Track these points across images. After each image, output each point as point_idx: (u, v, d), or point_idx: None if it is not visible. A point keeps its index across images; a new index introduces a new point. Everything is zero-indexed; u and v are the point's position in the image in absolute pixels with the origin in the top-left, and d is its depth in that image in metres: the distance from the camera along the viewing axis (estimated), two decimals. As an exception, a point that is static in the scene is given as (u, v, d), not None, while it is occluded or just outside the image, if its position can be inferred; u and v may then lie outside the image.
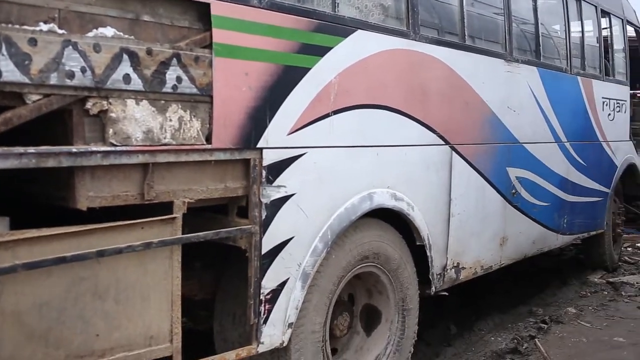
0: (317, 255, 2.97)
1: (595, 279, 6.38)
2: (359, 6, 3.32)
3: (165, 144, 2.32)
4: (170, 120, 2.33)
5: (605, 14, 6.39)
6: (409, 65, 3.56)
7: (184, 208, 2.41)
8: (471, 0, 4.25)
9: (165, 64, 2.29)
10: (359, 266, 3.35)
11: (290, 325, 2.89)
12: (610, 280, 6.31)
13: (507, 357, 4.23)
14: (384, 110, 3.37)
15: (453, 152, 3.96)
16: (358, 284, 3.57)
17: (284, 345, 2.89)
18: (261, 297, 2.74)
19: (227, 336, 3.07)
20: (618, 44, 6.76)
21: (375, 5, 3.41)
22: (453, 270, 4.07)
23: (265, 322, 2.77)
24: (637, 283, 6.19)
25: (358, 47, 3.16)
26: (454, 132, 3.94)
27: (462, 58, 4.00)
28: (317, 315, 3.08)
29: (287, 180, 2.79)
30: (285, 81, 2.75)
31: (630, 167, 6.98)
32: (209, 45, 2.43)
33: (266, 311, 2.77)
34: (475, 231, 4.28)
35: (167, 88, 2.30)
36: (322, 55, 2.94)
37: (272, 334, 2.81)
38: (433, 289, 3.89)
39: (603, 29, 6.36)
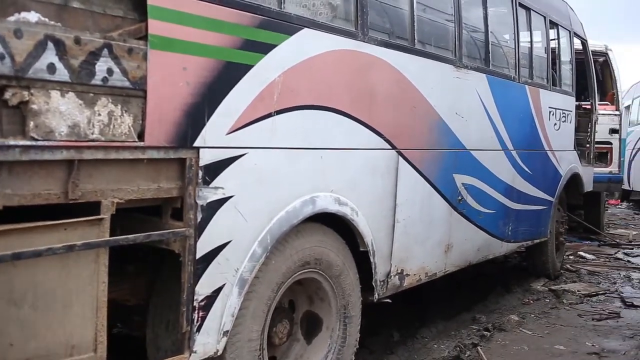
0: (255, 261, 2.86)
1: (538, 287, 6.44)
2: (307, 4, 3.22)
3: (93, 140, 2.16)
4: (99, 114, 2.18)
5: (553, 25, 6.46)
6: (357, 66, 3.47)
7: (112, 209, 2.26)
8: (422, 5, 4.19)
9: (95, 55, 2.14)
10: (300, 272, 3.24)
11: (225, 333, 2.76)
12: (553, 288, 6.37)
13: (449, 365, 4.19)
14: (330, 112, 3.28)
15: (399, 157, 3.89)
16: (299, 290, 3.47)
17: (219, 354, 2.76)
18: (195, 304, 2.60)
19: (160, 344, 2.92)
20: (565, 55, 6.85)
21: (324, 3, 3.32)
22: (397, 277, 4.00)
23: (198, 330, 2.63)
24: (578, 291, 6.27)
25: (304, 46, 3.06)
26: (400, 136, 3.88)
27: (411, 62, 3.94)
28: (255, 323, 2.96)
29: (225, 182, 2.67)
30: (225, 78, 2.63)
31: (574, 177, 7.08)
32: (144, 37, 2.29)
33: (200, 318, 2.63)
34: (420, 238, 4.23)
35: (97, 80, 2.15)
36: (266, 53, 2.83)
37: (206, 343, 2.68)
38: (376, 296, 3.81)
39: (551, 39, 6.43)
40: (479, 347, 4.47)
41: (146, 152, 2.35)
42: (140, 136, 2.31)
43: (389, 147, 3.79)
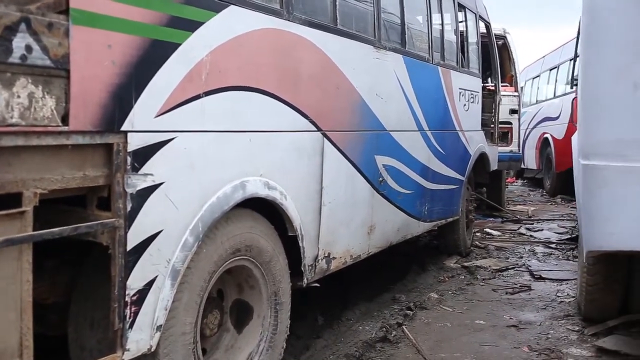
0: (187, 250, 2.71)
1: (452, 264, 6.59)
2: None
3: (11, 125, 1.95)
4: (19, 96, 1.97)
5: (461, 7, 6.58)
6: (282, 46, 3.37)
7: (35, 200, 2.06)
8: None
9: (11, 30, 1.92)
10: (231, 260, 3.13)
11: (158, 328, 2.61)
12: (465, 264, 6.55)
13: (377, 345, 4.19)
14: (257, 93, 3.16)
15: (325, 139, 3.83)
16: (228, 279, 3.34)
17: (152, 350, 2.61)
18: (127, 299, 2.43)
19: (85, 343, 2.72)
20: (472, 38, 7.01)
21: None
22: (324, 260, 3.96)
23: (131, 326, 2.47)
24: (489, 267, 6.47)
25: (231, 23, 2.93)
26: (325, 118, 3.82)
27: (334, 42, 3.88)
28: (188, 315, 2.82)
29: (154, 168, 2.50)
30: (153, 57, 2.46)
31: (482, 156, 7.28)
32: (65, 11, 2.09)
33: (132, 314, 2.47)
34: (345, 220, 4.20)
35: (14, 58, 1.94)
36: (193, 31, 2.68)
37: (139, 339, 2.52)
38: (305, 280, 3.75)
39: (459, 22, 6.55)
40: (404, 327, 4.51)
41: (71, 137, 2.16)
42: (64, 120, 2.11)
43: (315, 128, 3.72)
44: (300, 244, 3.63)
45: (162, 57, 2.51)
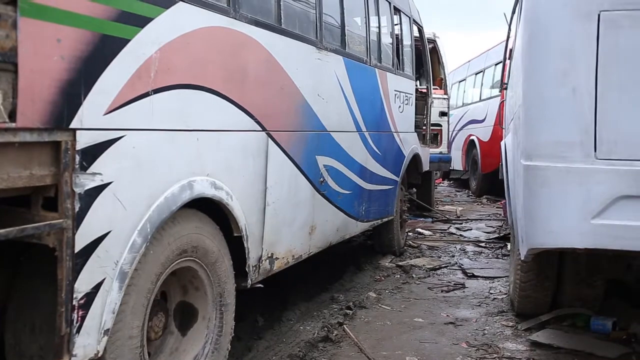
0: (135, 252, 2.64)
1: (387, 264, 6.68)
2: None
3: (-44, 121, 1.86)
4: (-36, 91, 1.87)
5: (397, 11, 6.69)
6: (230, 45, 3.34)
7: (-20, 200, 1.97)
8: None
9: (-44, 20, 1.83)
10: (178, 261, 3.07)
11: (106, 332, 2.53)
12: (400, 264, 6.65)
13: (320, 345, 4.21)
14: (205, 92, 3.12)
15: (269, 139, 3.82)
16: (172, 280, 3.27)
17: (99, 355, 2.52)
18: (74, 303, 2.35)
19: (24, 350, 2.61)
20: (407, 41, 7.13)
21: (196, -24, 3.13)
22: (267, 261, 3.94)
23: (78, 331, 2.38)
24: (423, 265, 6.60)
25: (179, 20, 2.88)
26: (270, 118, 3.81)
27: (279, 42, 3.88)
28: (135, 319, 2.74)
29: (103, 167, 2.43)
30: (102, 52, 2.38)
31: (415, 157, 7.42)
32: (13, 2, 2.00)
33: (79, 318, 2.38)
34: (288, 220, 4.19)
35: (-41, 50, 1.85)
36: (143, 27, 2.61)
37: (87, 344, 2.43)
38: (249, 281, 3.73)
39: (395, 25, 6.66)
40: (345, 326, 4.54)
41: (18, 134, 2.06)
42: (11, 116, 2.02)
43: (260, 128, 3.70)
44: (245, 245, 3.61)
45: (112, 52, 2.44)
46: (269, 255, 3.95)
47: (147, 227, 2.71)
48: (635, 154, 2.98)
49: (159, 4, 2.72)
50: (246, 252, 3.63)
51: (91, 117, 2.35)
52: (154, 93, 2.71)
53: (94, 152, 2.38)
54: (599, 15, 3.01)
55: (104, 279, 2.49)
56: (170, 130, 2.86)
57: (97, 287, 2.46)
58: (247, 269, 3.67)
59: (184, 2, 2.91)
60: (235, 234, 3.54)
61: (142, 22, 2.61)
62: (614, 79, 2.99)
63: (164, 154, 2.83)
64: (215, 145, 3.26)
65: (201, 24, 3.07)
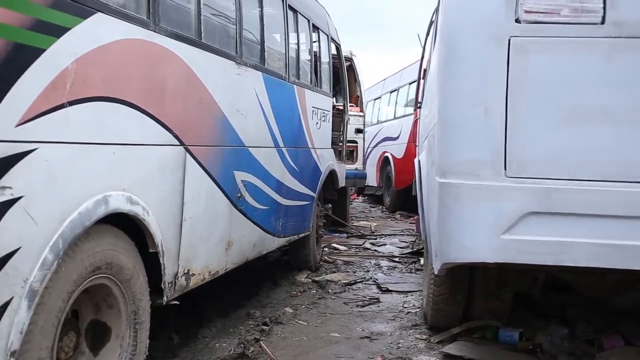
0: (46, 269, 2.54)
1: (303, 279, 6.70)
2: (97, -14, 2.95)
3: None
4: None
5: (315, 29, 6.78)
6: (149, 57, 3.29)
7: None
8: (207, 1, 4.11)
9: None
10: (91, 278, 2.97)
11: (13, 354, 2.41)
12: (316, 279, 6.69)
13: (236, 362, 4.17)
14: (122, 105, 3.05)
15: (187, 154, 3.77)
16: (84, 298, 3.16)
17: (6, 378, 2.41)
18: (-20, 323, 2.24)
19: None
20: (324, 58, 7.23)
21: (115, -13, 3.08)
22: (184, 277, 3.87)
23: (-17, 353, 2.27)
24: (339, 280, 6.66)
25: (98, 31, 2.81)
26: (188, 132, 3.77)
27: (199, 56, 3.85)
28: (44, 339, 2.63)
29: (13, 181, 2.33)
30: (15, 62, 2.30)
31: (331, 173, 7.52)
32: None
33: (-15, 340, 2.27)
34: (204, 236, 4.15)
35: None
36: (59, 37, 2.54)
37: (-8, 367, 2.32)
38: (165, 298, 3.65)
39: (313, 42, 6.74)
40: (261, 342, 4.51)
41: None
42: None
43: (178, 142, 3.65)
44: (161, 261, 3.54)
45: (25, 62, 2.36)
46: (186, 271, 3.89)
47: (60, 243, 2.61)
48: (542, 172, 3.14)
49: (76, 14, 2.66)
50: (162, 268, 3.55)
51: (2, 129, 2.26)
52: (69, 105, 2.63)
53: (4, 165, 2.28)
54: (509, 41, 3.16)
55: (12, 298, 2.38)
56: (85, 143, 2.78)
57: (4, 307, 2.35)
58: (162, 286, 3.59)
59: (103, 13, 2.85)
60: (151, 250, 3.46)
61: (58, 31, 2.54)
62: (523, 101, 3.15)
63: (79, 167, 2.74)
64: (132, 159, 3.19)
65: (120, 36, 3.01)
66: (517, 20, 3.16)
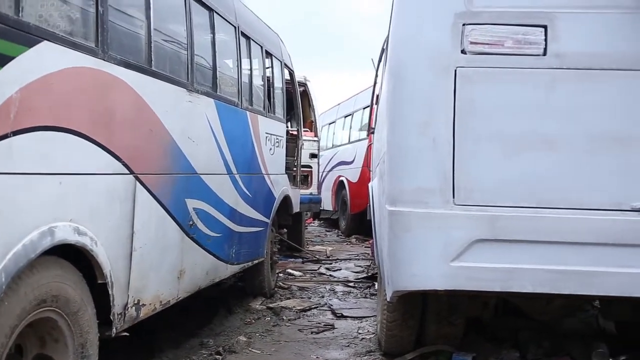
0: (-12, 304, 2.48)
1: (257, 306, 6.65)
2: (44, 14, 2.92)
3: None
4: None
5: (269, 55, 6.82)
6: (97, 86, 3.26)
7: None
8: (159, 28, 4.10)
9: None
10: (36, 312, 2.89)
11: (-49, 392, 2.34)
12: (271, 306, 6.64)
13: (188, 394, 4.09)
14: (69, 134, 3.01)
15: (137, 182, 3.73)
16: (29, 332, 3.08)
17: (-57, 419, 2.33)
18: None
19: None
20: (278, 84, 7.27)
21: (63, 16, 3.05)
22: (134, 308, 3.81)
23: None
24: (294, 307, 6.63)
25: (44, 60, 2.77)
26: (138, 161, 3.73)
27: (149, 84, 3.83)
28: (-14, 377, 2.56)
29: (-47, 214, 2.27)
30: (-44, 92, 2.25)
31: (285, 199, 7.51)
32: None
33: None
34: (155, 265, 4.09)
35: None
36: (3, 65, 2.50)
37: None
38: (114, 330, 3.58)
39: (266, 68, 6.78)
40: (214, 372, 4.45)
41: None
42: None
43: (127, 171, 3.61)
44: (110, 292, 3.47)
45: (-33, 92, 2.32)
46: (136, 301, 3.82)
47: (2, 277, 2.54)
48: (488, 200, 3.20)
49: (21, 42, 2.62)
50: (111, 299, 3.49)
51: (-59, 161, 2.20)
52: (14, 135, 2.58)
53: (-57, 198, 2.22)
54: (455, 71, 3.24)
55: (-49, 335, 2.31)
56: (30, 174, 2.72)
57: (-57, 344, 2.28)
58: (111, 317, 3.52)
59: (49, 41, 2.82)
60: (100, 281, 3.40)
61: (3, 60, 2.50)
62: (469, 130, 3.22)
63: (23, 198, 2.69)
64: (79, 189, 3.14)
65: (67, 64, 2.98)
66: (463, 51, 3.24)
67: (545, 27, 3.23)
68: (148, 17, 3.93)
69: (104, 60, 3.29)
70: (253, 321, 6.09)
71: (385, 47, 5.19)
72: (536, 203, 3.17)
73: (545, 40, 3.23)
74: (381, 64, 5.97)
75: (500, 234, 3.16)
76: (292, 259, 10.01)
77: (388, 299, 3.73)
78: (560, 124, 3.19)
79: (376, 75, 6.67)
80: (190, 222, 4.63)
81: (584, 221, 3.16)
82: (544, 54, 3.23)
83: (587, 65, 3.21)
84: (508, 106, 3.22)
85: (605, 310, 4.76)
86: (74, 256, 3.17)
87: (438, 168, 3.21)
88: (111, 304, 3.50)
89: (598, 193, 3.19)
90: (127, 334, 3.77)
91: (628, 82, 3.18)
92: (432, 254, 3.20)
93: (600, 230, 3.17)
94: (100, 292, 3.42)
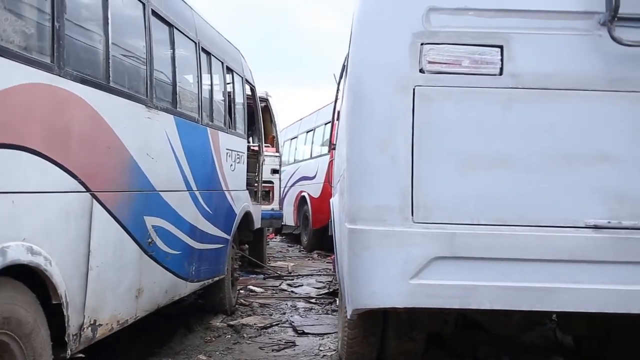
0: None
1: (218, 324, 6.57)
2: (-3, 30, 2.86)
3: None
4: None
5: (229, 70, 6.81)
6: (53, 103, 3.21)
7: None
8: (117, 44, 4.06)
9: None
10: (-14, 335, 2.82)
11: None
12: (231, 323, 6.57)
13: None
14: (22, 152, 2.95)
15: (94, 200, 3.67)
16: (-22, 356, 3.00)
17: None
18: None
19: None
20: (239, 100, 7.25)
21: (17, 31, 2.99)
22: (90, 328, 3.73)
23: None
24: (255, 324, 6.57)
25: (-3, 76, 2.72)
26: (95, 178, 3.67)
27: (107, 100, 3.78)
28: None
29: None
30: None
31: (246, 215, 7.47)
32: None
33: None
34: (112, 284, 4.02)
35: None
36: (-48, 83, 2.44)
37: None
38: (69, 352, 3.49)
39: (227, 84, 6.76)
40: (172, 393, 4.38)
41: None
42: None
43: (84, 189, 3.55)
44: (65, 312, 3.39)
45: None
46: (92, 322, 3.74)
47: (-49, 299, 2.47)
48: (447, 217, 3.22)
49: (-28, 59, 2.57)
50: (66, 320, 3.41)
51: None
52: (-36, 153, 2.52)
53: None
54: (414, 90, 3.27)
55: None
56: (-19, 193, 2.66)
57: None
58: (66, 339, 3.44)
59: (2, 57, 2.76)
60: (55, 301, 3.32)
61: (-49, 77, 2.44)
62: (428, 149, 3.24)
63: (-26, 218, 2.62)
64: (33, 207, 3.08)
65: (22, 80, 2.93)
66: (421, 70, 3.27)
67: (501, 47, 3.28)
68: (106, 33, 3.89)
69: (60, 76, 3.24)
70: (213, 339, 6.01)
71: (345, 64, 5.22)
72: (493, 220, 3.21)
73: (502, 60, 3.28)
74: (342, 80, 5.99)
75: (459, 251, 3.18)
76: (253, 275, 9.94)
77: (348, 317, 3.73)
78: (516, 143, 3.24)
79: (337, 91, 6.69)
80: (149, 240, 4.56)
81: (540, 238, 3.20)
82: (500, 73, 3.28)
83: (541, 85, 3.27)
84: (465, 125, 3.25)
85: (562, 325, 4.83)
86: (28, 276, 3.10)
87: (397, 186, 3.22)
88: (66, 324, 3.42)
89: (553, 210, 3.24)
90: (83, 355, 3.68)
91: (580, 102, 3.25)
92: (392, 272, 3.20)
93: (555, 247, 3.21)
94: (54, 313, 3.35)
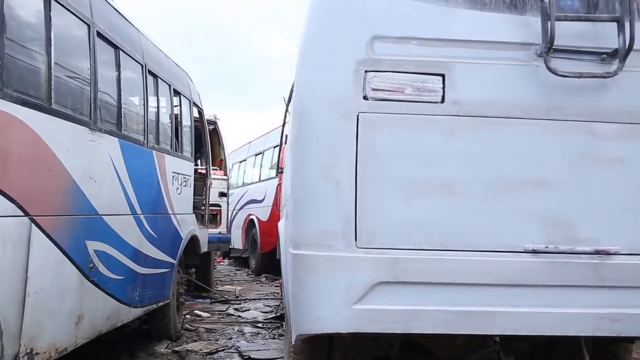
0: None
1: (162, 350, 6.45)
2: None
3: None
4: None
5: (177, 93, 6.77)
6: (-10, 125, 3.13)
7: None
8: (59, 65, 3.99)
9: None
10: None
11: None
12: (176, 349, 6.46)
13: None
14: (-43, 175, 2.87)
15: (32, 225, 3.59)
16: None
17: None
18: None
19: None
20: (186, 122, 7.20)
21: (-47, 52, 2.92)
22: (26, 357, 3.62)
23: None
24: (200, 350, 6.47)
25: None
26: (34, 202, 3.59)
27: (48, 122, 3.72)
28: None
29: None
30: None
31: (193, 239, 7.40)
32: None
33: None
34: (51, 311, 3.91)
35: None
36: None
37: None
38: (3, 382, 3.38)
39: (174, 107, 6.71)
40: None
41: None
42: None
43: (22, 213, 3.47)
44: (0, 342, 3.29)
45: None
46: (28, 350, 3.63)
47: None
48: (389, 242, 3.25)
49: None
50: (0, 349, 3.30)
51: None
52: None
53: None
54: (357, 116, 3.31)
55: None
56: None
57: None
58: (1, 369, 3.33)
59: (-64, 78, 2.70)
60: (-12, 330, 3.22)
61: None
62: (371, 175, 3.27)
63: None
64: (-33, 232, 2.98)
65: (-44, 103, 2.85)
66: (365, 97, 3.31)
67: (443, 75, 3.35)
68: (49, 53, 3.83)
69: (-2, 98, 3.17)
70: (157, 366, 5.90)
71: (293, 88, 5.25)
72: (436, 245, 3.25)
73: (443, 88, 3.35)
74: (290, 104, 6.02)
75: (401, 276, 3.21)
76: (200, 300, 9.80)
77: (292, 342, 3.71)
78: (457, 169, 3.30)
79: (285, 115, 6.72)
80: (91, 265, 4.47)
81: (481, 263, 3.26)
82: (442, 101, 3.35)
83: (482, 112, 3.35)
84: (408, 151, 3.30)
85: (505, 347, 4.91)
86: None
87: (341, 211, 3.24)
88: (1, 354, 3.31)
89: (494, 235, 3.31)
90: (18, 385, 3.56)
91: (519, 129, 3.34)
92: (335, 297, 3.21)
93: (495, 272, 3.28)
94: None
